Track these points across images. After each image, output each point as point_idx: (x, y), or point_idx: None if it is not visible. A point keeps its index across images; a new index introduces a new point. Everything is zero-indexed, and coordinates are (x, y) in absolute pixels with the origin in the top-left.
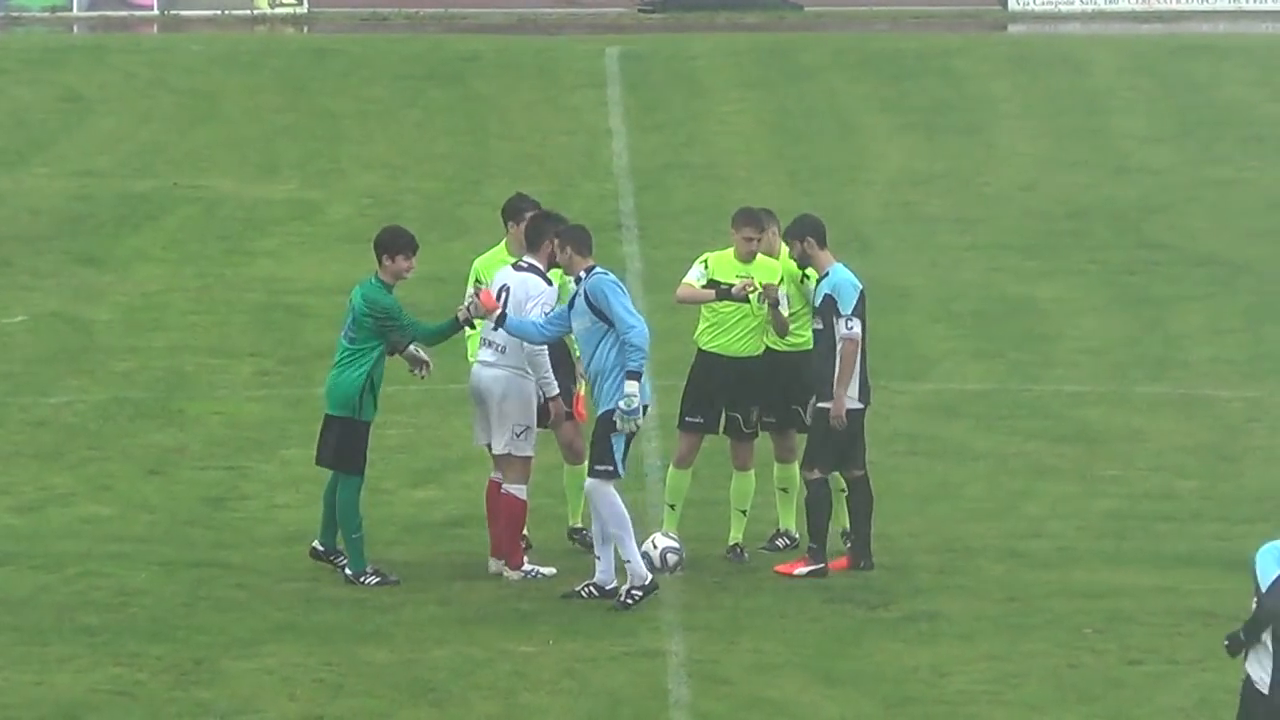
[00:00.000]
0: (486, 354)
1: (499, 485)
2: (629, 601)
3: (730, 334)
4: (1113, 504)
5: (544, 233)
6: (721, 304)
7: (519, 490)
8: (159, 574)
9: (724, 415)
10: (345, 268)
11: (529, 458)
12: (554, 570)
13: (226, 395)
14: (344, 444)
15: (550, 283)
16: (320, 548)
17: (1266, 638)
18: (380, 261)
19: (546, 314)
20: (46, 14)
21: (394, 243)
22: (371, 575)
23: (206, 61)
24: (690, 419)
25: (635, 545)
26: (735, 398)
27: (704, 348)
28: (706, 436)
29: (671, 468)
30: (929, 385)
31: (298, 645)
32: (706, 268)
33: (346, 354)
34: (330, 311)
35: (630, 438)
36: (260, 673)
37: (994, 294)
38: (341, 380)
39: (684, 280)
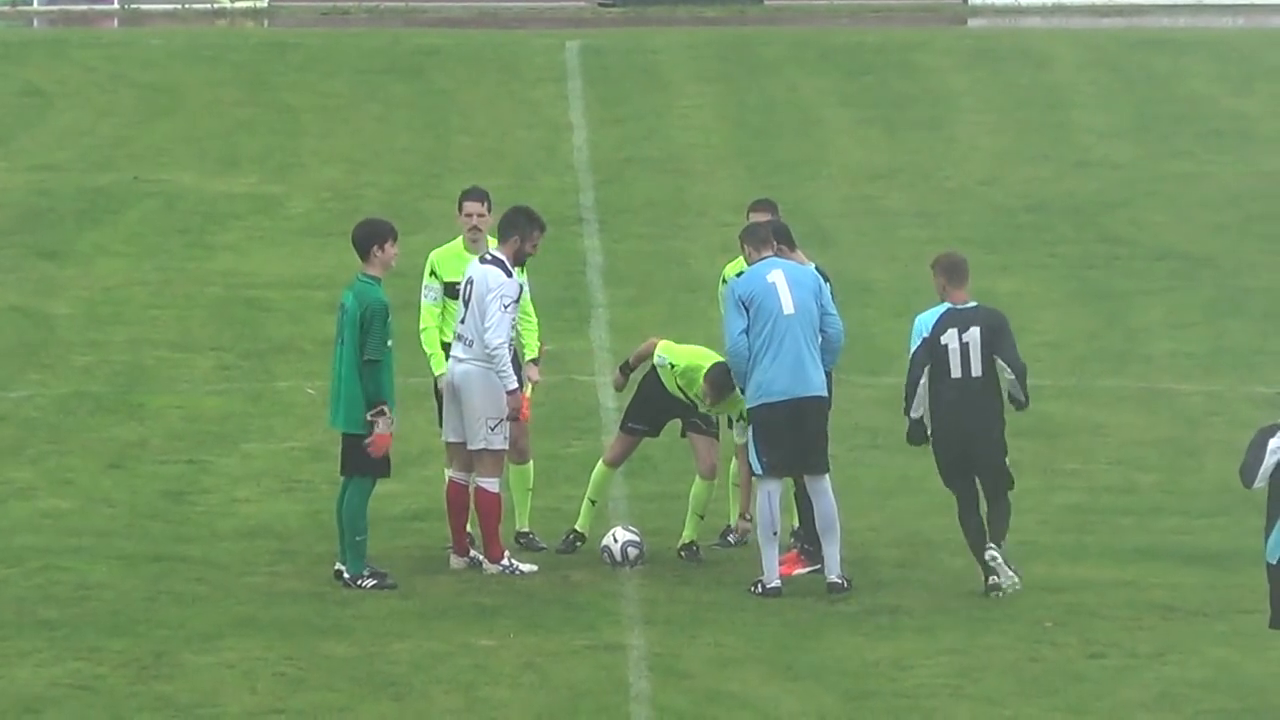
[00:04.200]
0: (458, 349)
1: (458, 485)
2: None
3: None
4: (1073, 498)
5: (515, 226)
6: None
7: (491, 484)
8: (119, 568)
9: (680, 420)
10: (305, 262)
11: (502, 451)
12: (534, 567)
13: (187, 389)
14: (356, 454)
15: (510, 275)
16: (341, 567)
17: None
18: (370, 255)
19: (505, 307)
20: (6, 8)
21: (378, 231)
22: (369, 579)
23: (166, 56)
24: (633, 424)
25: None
26: (687, 409)
27: (658, 364)
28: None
29: (601, 464)
30: (890, 379)
31: (258, 639)
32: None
33: (348, 366)
34: (291, 306)
35: None
36: (221, 667)
37: None
38: (352, 395)
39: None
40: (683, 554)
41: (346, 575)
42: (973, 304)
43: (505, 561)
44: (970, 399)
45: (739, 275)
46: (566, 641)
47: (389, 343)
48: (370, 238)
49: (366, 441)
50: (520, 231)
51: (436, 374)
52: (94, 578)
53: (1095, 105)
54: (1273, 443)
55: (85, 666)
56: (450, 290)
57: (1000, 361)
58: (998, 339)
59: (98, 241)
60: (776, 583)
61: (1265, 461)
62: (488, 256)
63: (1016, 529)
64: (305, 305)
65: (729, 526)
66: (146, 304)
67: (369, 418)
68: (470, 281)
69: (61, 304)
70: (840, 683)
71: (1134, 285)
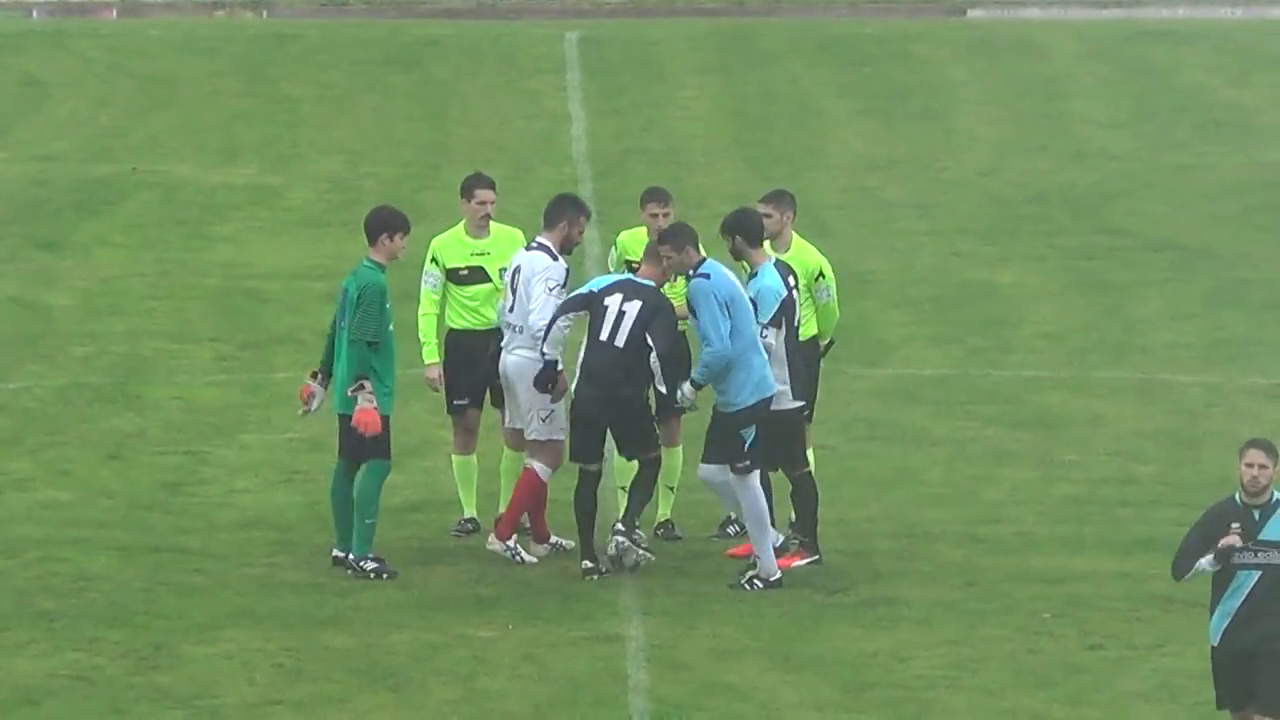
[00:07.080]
0: (509, 339)
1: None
2: (747, 588)
3: None
4: (1072, 489)
5: (562, 212)
6: None
7: (543, 471)
8: (117, 559)
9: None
10: (304, 253)
11: (559, 441)
12: (535, 559)
13: (185, 380)
14: (358, 437)
15: (556, 259)
16: (340, 554)
17: None
18: (377, 242)
19: (550, 289)
20: None
21: (391, 222)
22: (372, 561)
23: (165, 47)
24: None
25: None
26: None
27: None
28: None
29: (617, 451)
30: (888, 370)
31: (256, 630)
32: (617, 249)
33: (345, 348)
34: (289, 297)
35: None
36: (219, 658)
37: (953, 279)
38: (341, 376)
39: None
40: (658, 533)
41: (351, 556)
42: (650, 283)
43: (511, 543)
44: (608, 365)
45: (708, 278)
46: (565, 632)
47: (390, 326)
48: (381, 226)
49: (352, 421)
50: (568, 217)
51: (428, 363)
52: (92, 569)
53: (1094, 96)
54: (1201, 563)
55: (84, 657)
56: (452, 276)
57: (650, 340)
58: (656, 318)
59: (96, 232)
60: (776, 575)
61: (1196, 566)
62: (533, 244)
63: (1015, 520)
64: (304, 296)
65: (729, 518)
66: (145, 295)
67: (349, 392)
68: (517, 269)
69: (60, 295)
70: (838, 674)
71: (1132, 276)
